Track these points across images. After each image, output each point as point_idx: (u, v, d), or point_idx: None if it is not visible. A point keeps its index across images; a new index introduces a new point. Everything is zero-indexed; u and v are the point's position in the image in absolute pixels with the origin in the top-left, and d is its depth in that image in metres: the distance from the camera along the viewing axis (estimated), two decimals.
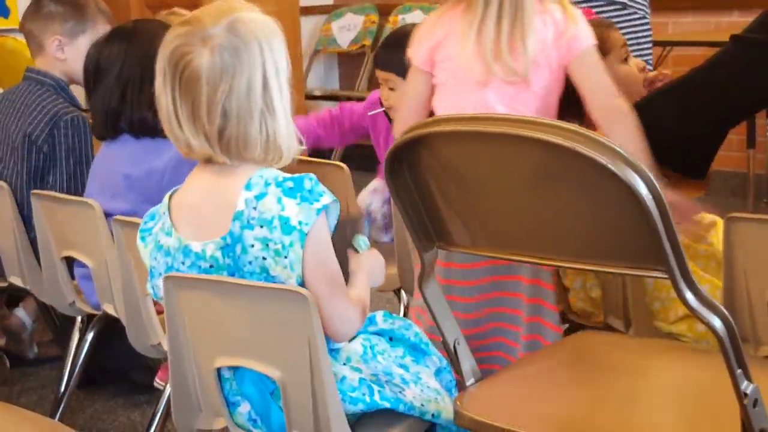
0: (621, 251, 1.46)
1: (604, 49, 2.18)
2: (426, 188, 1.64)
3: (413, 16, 6.48)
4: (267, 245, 1.62)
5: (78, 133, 2.69)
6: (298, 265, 1.62)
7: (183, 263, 1.70)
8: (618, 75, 2.18)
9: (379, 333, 1.87)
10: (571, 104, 2.15)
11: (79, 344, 2.65)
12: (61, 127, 2.68)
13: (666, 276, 1.39)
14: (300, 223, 1.60)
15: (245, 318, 1.68)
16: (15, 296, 3.17)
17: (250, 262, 1.64)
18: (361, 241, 1.85)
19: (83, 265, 2.50)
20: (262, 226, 1.61)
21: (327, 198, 1.62)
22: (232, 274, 1.67)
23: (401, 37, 2.48)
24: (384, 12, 6.37)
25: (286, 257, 1.62)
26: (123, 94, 2.40)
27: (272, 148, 1.66)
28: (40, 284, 2.65)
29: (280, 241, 1.61)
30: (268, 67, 1.63)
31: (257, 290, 1.64)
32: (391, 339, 1.87)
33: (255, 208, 1.62)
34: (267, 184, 1.63)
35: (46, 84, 2.78)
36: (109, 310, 2.44)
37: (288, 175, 1.64)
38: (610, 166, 1.35)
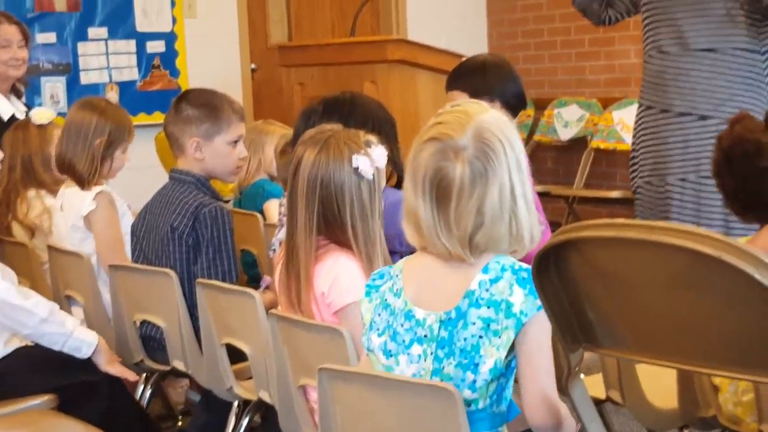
0: None
1: None
2: (573, 290, 1.67)
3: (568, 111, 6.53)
4: (488, 326, 1.72)
5: (217, 223, 2.85)
6: (505, 350, 1.71)
7: (402, 325, 1.80)
8: None
9: None
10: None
11: (235, 429, 2.74)
12: (202, 218, 2.84)
13: None
14: (521, 312, 1.71)
15: (395, 412, 1.73)
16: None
17: (465, 339, 1.73)
18: None
19: None
20: (489, 307, 1.73)
21: None
22: (441, 348, 1.75)
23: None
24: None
25: (499, 338, 1.72)
26: None
27: (517, 241, 1.77)
28: (200, 369, 2.77)
29: (500, 322, 1.71)
30: (512, 165, 1.74)
31: (407, 385, 1.70)
32: None
33: (487, 290, 1.74)
34: (503, 270, 1.75)
35: (187, 182, 2.96)
36: (265, 397, 2.53)
37: (525, 266, 1.74)
38: (756, 275, 1.35)
